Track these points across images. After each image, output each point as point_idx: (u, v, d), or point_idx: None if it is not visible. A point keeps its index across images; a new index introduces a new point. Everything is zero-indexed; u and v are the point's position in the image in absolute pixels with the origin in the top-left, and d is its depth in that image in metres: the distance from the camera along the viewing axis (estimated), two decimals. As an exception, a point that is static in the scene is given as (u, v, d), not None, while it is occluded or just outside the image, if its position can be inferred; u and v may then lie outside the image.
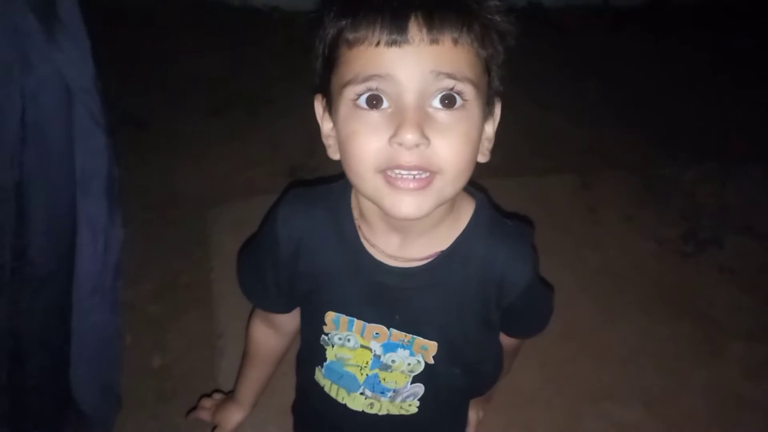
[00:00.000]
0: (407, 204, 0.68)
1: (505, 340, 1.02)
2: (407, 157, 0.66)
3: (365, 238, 0.80)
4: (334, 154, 0.75)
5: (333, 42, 0.68)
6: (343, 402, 0.94)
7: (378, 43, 0.64)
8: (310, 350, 0.95)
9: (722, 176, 2.63)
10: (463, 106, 0.67)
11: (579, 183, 2.43)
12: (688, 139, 2.86)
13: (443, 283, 0.81)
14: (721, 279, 2.16)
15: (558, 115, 2.78)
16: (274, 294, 0.92)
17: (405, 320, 0.84)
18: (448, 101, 0.66)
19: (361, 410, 0.94)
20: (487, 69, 0.70)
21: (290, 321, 1.00)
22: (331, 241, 0.82)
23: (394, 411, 0.93)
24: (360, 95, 0.66)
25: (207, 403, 1.31)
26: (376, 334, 0.85)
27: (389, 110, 0.66)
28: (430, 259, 0.80)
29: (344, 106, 0.68)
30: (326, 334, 0.89)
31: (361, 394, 0.92)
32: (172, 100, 2.70)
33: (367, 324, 0.85)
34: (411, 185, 0.67)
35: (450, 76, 0.65)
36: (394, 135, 0.65)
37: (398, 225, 0.77)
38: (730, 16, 3.73)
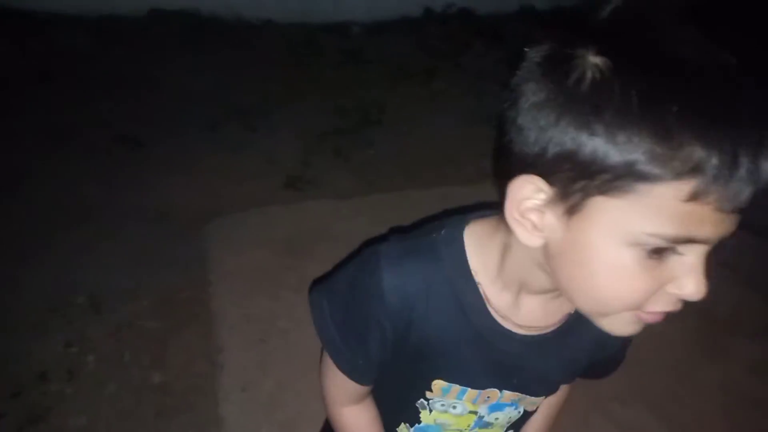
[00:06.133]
0: (638, 328, 0.61)
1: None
2: (677, 307, 0.58)
3: (492, 308, 0.70)
4: (529, 242, 0.60)
5: (646, 174, 0.50)
6: None
7: (725, 208, 0.51)
8: (397, 405, 0.85)
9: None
10: None
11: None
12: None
13: (568, 343, 0.75)
14: (724, 275, 2.14)
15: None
16: (374, 365, 0.78)
17: (522, 384, 0.77)
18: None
19: None
20: None
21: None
22: (448, 306, 0.70)
23: None
24: (658, 247, 0.54)
25: None
26: (487, 397, 0.78)
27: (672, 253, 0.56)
28: (558, 324, 0.73)
29: (619, 241, 0.54)
30: (427, 399, 0.80)
31: None
32: (167, 118, 2.71)
33: (481, 391, 0.77)
34: (660, 319, 0.60)
35: None
36: (678, 286, 0.56)
37: (539, 292, 0.69)
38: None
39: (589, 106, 0.50)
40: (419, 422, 0.83)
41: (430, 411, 0.81)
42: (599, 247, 0.55)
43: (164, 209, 2.25)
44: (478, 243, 0.69)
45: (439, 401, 0.79)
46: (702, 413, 1.73)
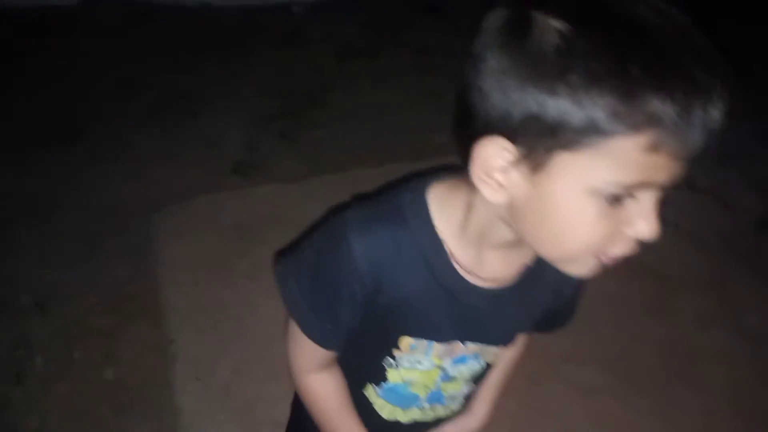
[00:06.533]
0: (597, 270, 0.65)
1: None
2: (634, 249, 0.62)
3: (458, 264, 0.73)
4: (495, 198, 0.63)
5: (608, 129, 0.54)
6: (394, 419, 0.90)
7: (680, 156, 0.55)
8: (363, 366, 0.87)
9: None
10: None
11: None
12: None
13: (526, 293, 0.79)
14: (668, 233, 2.20)
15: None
16: (343, 329, 0.80)
17: (484, 334, 0.81)
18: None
19: (412, 420, 0.91)
20: None
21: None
22: (416, 266, 0.73)
23: (442, 414, 0.92)
24: (615, 194, 0.57)
25: None
26: (451, 351, 0.82)
27: (628, 198, 0.59)
28: (518, 276, 0.77)
29: (581, 192, 0.58)
30: (393, 357, 0.82)
31: (419, 408, 0.90)
32: (107, 108, 2.63)
33: (446, 344, 0.80)
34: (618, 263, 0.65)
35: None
36: (633, 229, 0.60)
37: (501, 245, 0.72)
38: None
39: (552, 69, 0.53)
40: (386, 381, 0.85)
41: (397, 368, 0.83)
42: (563, 200, 0.59)
43: (108, 202, 2.19)
44: (441, 203, 0.72)
45: (406, 358, 0.81)
46: (652, 369, 1.79)
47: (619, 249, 0.62)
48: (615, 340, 1.84)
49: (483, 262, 0.73)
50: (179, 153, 2.44)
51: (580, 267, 0.65)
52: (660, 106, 0.52)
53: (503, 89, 0.56)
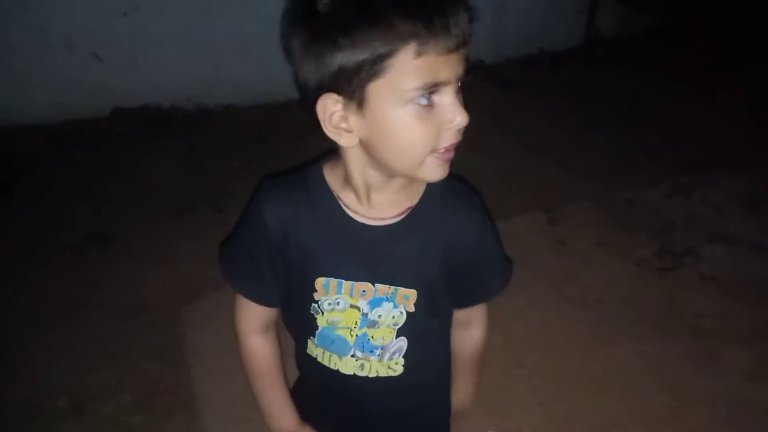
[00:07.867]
0: (445, 169, 0.82)
1: (461, 335, 1.09)
2: (458, 137, 0.80)
3: (346, 207, 0.90)
4: (349, 142, 0.82)
5: (385, 54, 0.73)
6: (336, 368, 1.00)
7: (441, 53, 0.74)
8: (300, 324, 1.01)
9: (686, 189, 2.66)
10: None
11: (545, 219, 2.44)
12: (645, 160, 2.92)
13: (416, 233, 0.92)
14: (704, 287, 2.15)
15: (514, 160, 2.84)
16: (269, 282, 0.98)
17: (388, 273, 0.93)
18: (462, 82, 0.80)
19: (352, 373, 1.00)
20: None
21: (276, 316, 1.06)
22: (314, 215, 0.91)
23: (383, 372, 1.00)
24: (420, 97, 0.75)
25: None
26: (363, 291, 0.93)
27: (436, 99, 0.77)
28: (404, 215, 0.91)
29: (397, 106, 0.76)
30: (316, 302, 0.95)
31: (352, 356, 0.98)
32: (135, 211, 2.70)
33: (354, 283, 0.93)
34: (452, 154, 0.82)
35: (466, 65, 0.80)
36: (450, 121, 0.78)
37: (381, 187, 0.88)
38: (665, 42, 3.91)
39: (331, 31, 0.74)
40: (317, 328, 0.98)
41: (322, 313, 0.96)
42: (387, 117, 0.77)
43: (139, 301, 2.22)
44: (331, 169, 0.92)
45: (325, 300, 0.95)
46: (706, 427, 1.70)
47: (447, 141, 0.79)
48: (662, 399, 1.76)
49: (372, 206, 0.90)
50: (206, 247, 2.47)
51: (428, 170, 0.81)
52: (410, 24, 0.72)
53: (311, 59, 0.77)
